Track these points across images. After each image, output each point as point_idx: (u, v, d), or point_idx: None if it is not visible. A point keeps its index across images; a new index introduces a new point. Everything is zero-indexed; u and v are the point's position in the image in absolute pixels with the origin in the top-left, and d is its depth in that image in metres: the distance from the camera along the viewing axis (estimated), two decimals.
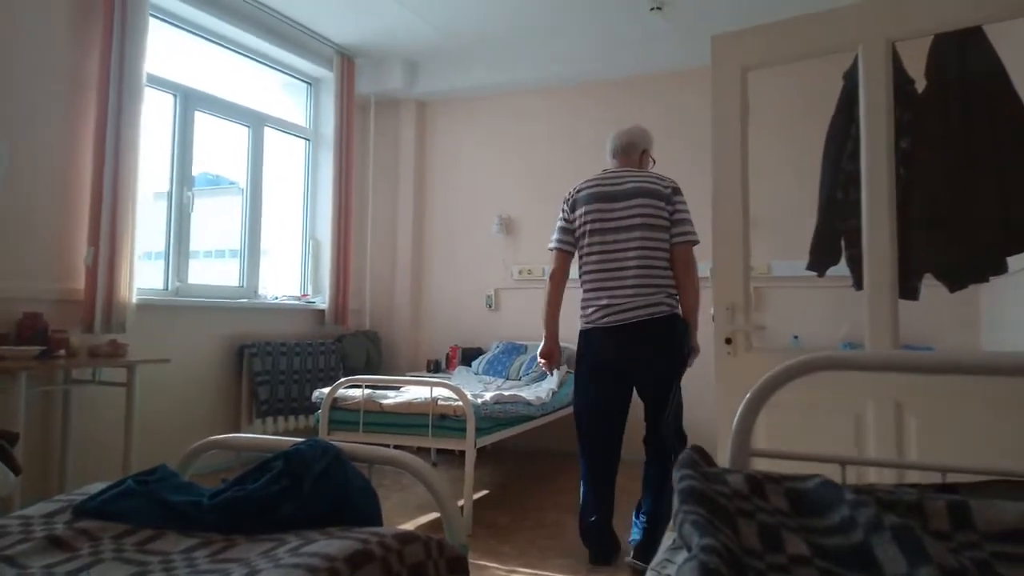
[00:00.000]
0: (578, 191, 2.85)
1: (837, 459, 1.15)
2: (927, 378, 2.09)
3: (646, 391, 2.77)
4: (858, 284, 2.38)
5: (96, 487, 1.42)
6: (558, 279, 2.90)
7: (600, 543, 2.79)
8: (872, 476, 2.12)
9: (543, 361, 2.99)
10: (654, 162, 3.01)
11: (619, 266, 2.70)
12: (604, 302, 2.71)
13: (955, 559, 0.80)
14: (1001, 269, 2.36)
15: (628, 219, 2.70)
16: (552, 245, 2.90)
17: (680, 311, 2.73)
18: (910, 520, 0.94)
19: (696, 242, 2.73)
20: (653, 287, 2.66)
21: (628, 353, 2.71)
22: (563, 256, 2.88)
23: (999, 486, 1.07)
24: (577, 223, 2.82)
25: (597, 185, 2.80)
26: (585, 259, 2.80)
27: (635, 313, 2.66)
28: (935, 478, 1.98)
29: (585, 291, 2.81)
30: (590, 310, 2.77)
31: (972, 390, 2.03)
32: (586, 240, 2.78)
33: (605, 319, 2.71)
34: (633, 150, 2.91)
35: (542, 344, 2.97)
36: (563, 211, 2.89)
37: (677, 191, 2.75)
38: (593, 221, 2.76)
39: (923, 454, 2.08)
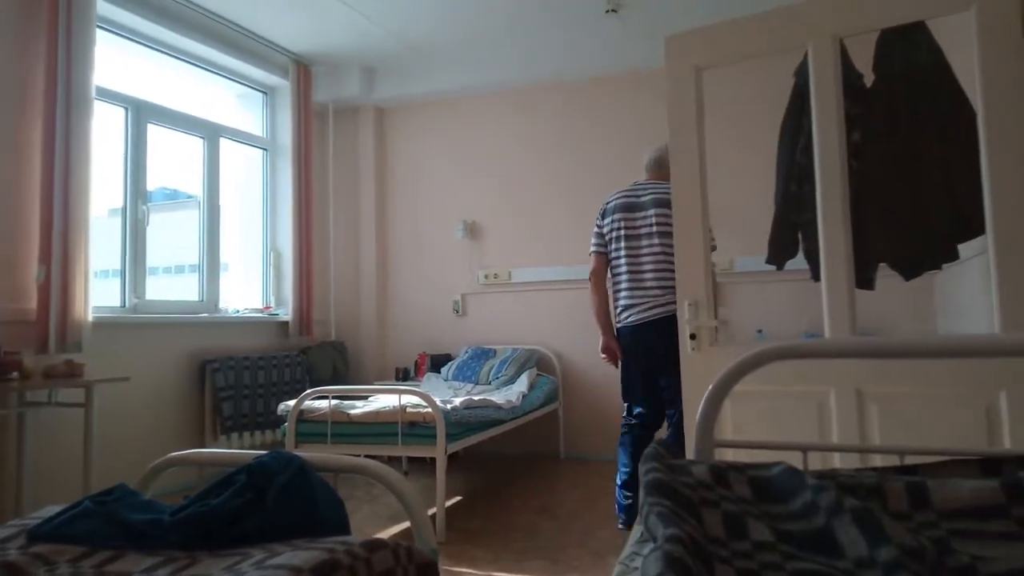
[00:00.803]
0: (608, 202, 3.19)
1: (798, 446, 1.17)
2: (886, 365, 2.14)
3: (664, 382, 3.01)
4: (816, 276, 2.42)
5: (52, 510, 1.38)
6: (598, 277, 3.23)
7: (631, 508, 3.02)
8: (836, 462, 2.16)
9: (604, 356, 3.24)
10: None
11: (640, 269, 3.04)
12: (629, 302, 3.06)
13: (913, 538, 0.82)
14: (953, 256, 2.42)
15: (647, 227, 3.03)
16: (590, 250, 3.25)
17: None
18: (870, 502, 0.96)
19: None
20: (667, 288, 2.93)
21: (649, 347, 3.00)
22: (600, 258, 3.22)
23: (955, 465, 1.10)
24: (606, 230, 3.17)
25: (624, 196, 3.15)
26: (613, 263, 3.15)
27: (653, 312, 2.97)
28: (895, 461, 2.02)
29: (614, 292, 3.15)
30: (619, 309, 3.12)
31: (929, 375, 2.08)
32: (613, 246, 3.13)
33: (631, 317, 3.05)
34: (663, 164, 3.15)
35: (601, 341, 3.23)
36: (597, 220, 3.24)
37: None
38: (619, 229, 3.10)
39: (885, 439, 2.12)
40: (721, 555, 0.82)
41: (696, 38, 2.53)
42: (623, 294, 3.08)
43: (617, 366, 3.24)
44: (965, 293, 3.48)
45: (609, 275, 3.22)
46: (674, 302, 2.82)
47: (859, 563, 0.79)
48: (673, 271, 2.83)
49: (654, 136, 4.71)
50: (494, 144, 5.28)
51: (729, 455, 2.24)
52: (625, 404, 3.20)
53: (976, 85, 2.10)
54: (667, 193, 2.95)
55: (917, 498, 0.96)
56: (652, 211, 3.03)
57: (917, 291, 3.93)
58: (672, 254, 2.84)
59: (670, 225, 2.85)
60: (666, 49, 2.56)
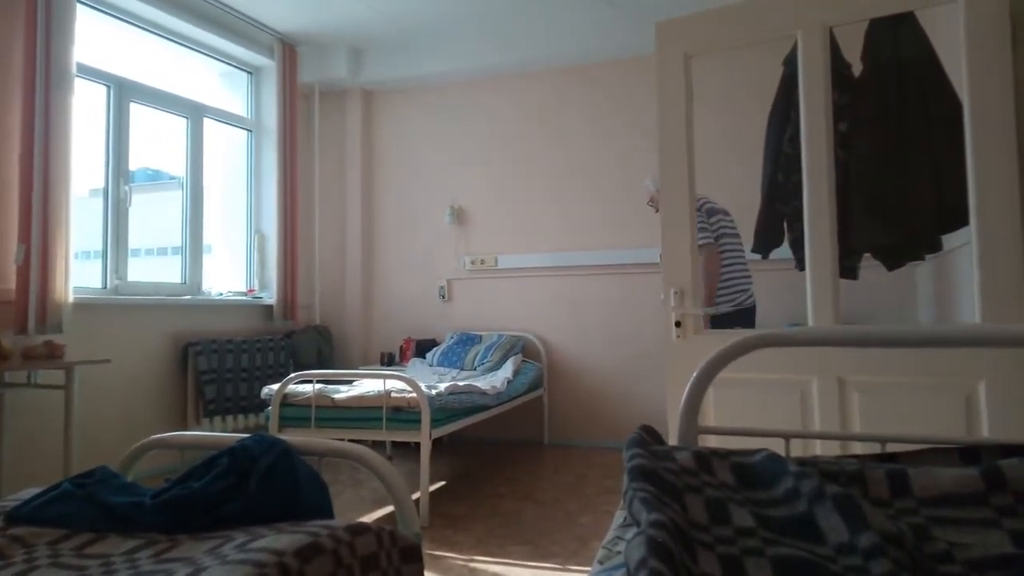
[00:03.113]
0: (703, 203, 3.54)
1: (781, 433, 1.18)
2: (868, 354, 2.16)
3: None
4: (800, 265, 2.43)
5: (30, 492, 1.36)
6: (719, 264, 3.59)
7: None
8: (818, 449, 2.18)
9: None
10: None
11: (747, 262, 3.62)
12: (748, 286, 3.61)
13: (893, 525, 0.83)
14: (936, 247, 2.45)
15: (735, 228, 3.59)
16: (709, 240, 3.51)
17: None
18: (851, 489, 0.97)
19: None
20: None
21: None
22: (717, 246, 3.59)
23: (935, 453, 1.11)
24: (717, 226, 3.58)
25: (713, 203, 3.63)
26: (729, 254, 3.58)
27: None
28: (876, 448, 2.04)
29: (734, 278, 3.57)
30: (742, 296, 3.59)
31: (910, 364, 2.11)
32: (724, 240, 3.58)
33: (749, 300, 3.59)
34: None
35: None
36: (701, 218, 3.51)
37: None
38: (728, 226, 3.61)
39: (866, 427, 2.15)
40: (704, 540, 0.83)
41: (686, 24, 2.52)
42: (742, 281, 3.57)
43: None
44: (947, 284, 3.52)
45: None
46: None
47: (840, 549, 0.80)
48: None
49: (643, 123, 4.71)
50: (483, 129, 5.24)
51: (712, 441, 2.25)
52: None
53: (963, 77, 2.10)
54: None
55: (897, 485, 0.97)
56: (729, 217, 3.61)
57: (900, 281, 3.97)
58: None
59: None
60: (656, 35, 2.55)
